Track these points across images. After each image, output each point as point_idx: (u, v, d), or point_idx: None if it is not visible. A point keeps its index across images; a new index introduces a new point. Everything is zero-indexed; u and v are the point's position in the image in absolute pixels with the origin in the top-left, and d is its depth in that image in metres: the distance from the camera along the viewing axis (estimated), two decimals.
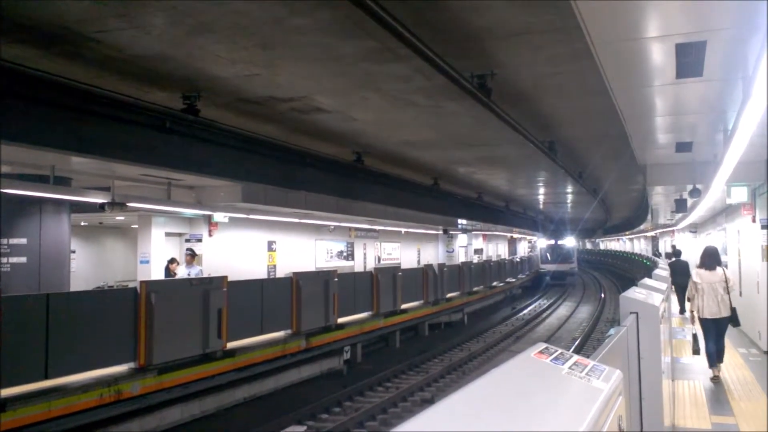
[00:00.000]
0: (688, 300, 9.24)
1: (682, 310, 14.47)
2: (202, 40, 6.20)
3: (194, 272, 12.22)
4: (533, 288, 36.88)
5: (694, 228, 22.60)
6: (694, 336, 8.79)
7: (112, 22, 5.74)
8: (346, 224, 20.68)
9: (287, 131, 10.24)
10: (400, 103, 8.74)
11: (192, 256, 12.92)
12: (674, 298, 14.76)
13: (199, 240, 15.90)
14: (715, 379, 8.37)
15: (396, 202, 15.64)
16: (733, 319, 8.46)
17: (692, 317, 8.78)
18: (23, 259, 9.78)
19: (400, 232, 26.07)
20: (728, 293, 8.39)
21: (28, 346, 7.07)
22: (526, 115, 9.30)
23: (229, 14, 5.61)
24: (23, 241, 9.81)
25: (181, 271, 12.42)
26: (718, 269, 8.55)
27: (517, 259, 36.86)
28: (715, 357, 8.43)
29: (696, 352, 8.75)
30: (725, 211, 14.71)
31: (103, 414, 7.60)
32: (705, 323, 8.49)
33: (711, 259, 8.65)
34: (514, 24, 5.91)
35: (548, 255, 42.62)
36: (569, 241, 43.46)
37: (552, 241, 43.84)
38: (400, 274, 16.46)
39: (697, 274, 8.67)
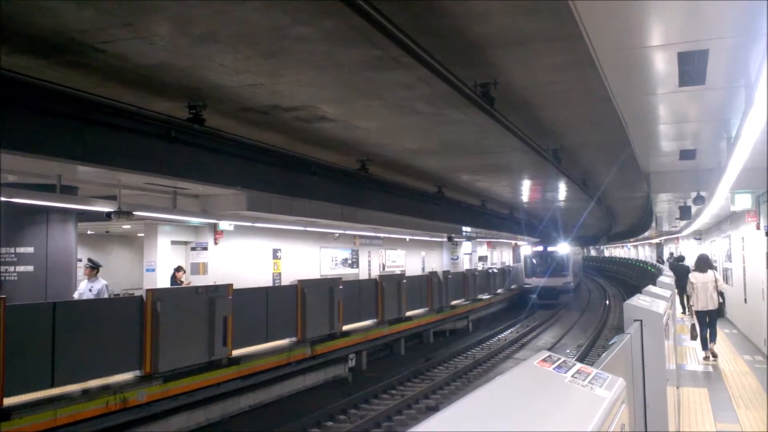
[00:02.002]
0: (687, 298, 11.31)
1: (684, 310, 14.85)
2: (207, 49, 6.24)
3: (97, 288, 10.11)
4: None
5: (699, 235, 22.52)
6: (693, 326, 10.50)
7: (117, 32, 5.78)
8: (350, 232, 20.71)
9: (291, 140, 10.27)
10: (403, 111, 8.77)
11: (92, 269, 10.28)
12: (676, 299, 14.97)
13: (205, 248, 15.99)
14: (707, 360, 10.31)
15: (400, 210, 15.66)
16: (720, 311, 10.56)
17: (690, 310, 10.77)
18: (30, 268, 9.83)
19: (405, 239, 26.07)
20: (717, 291, 10.39)
21: (35, 355, 7.09)
22: (530, 123, 9.31)
23: (233, 24, 5.65)
24: (30, 250, 9.85)
25: (82, 287, 10.18)
26: (710, 272, 10.51)
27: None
28: (708, 342, 10.42)
29: (694, 337, 10.49)
30: (729, 218, 14.67)
31: (109, 422, 7.60)
32: (699, 314, 10.50)
33: (704, 264, 10.71)
34: (516, 32, 5.93)
35: (534, 265, 31.61)
36: (563, 248, 31.97)
37: (540, 248, 32.56)
38: (404, 281, 16.43)
39: (693, 276, 10.65)
